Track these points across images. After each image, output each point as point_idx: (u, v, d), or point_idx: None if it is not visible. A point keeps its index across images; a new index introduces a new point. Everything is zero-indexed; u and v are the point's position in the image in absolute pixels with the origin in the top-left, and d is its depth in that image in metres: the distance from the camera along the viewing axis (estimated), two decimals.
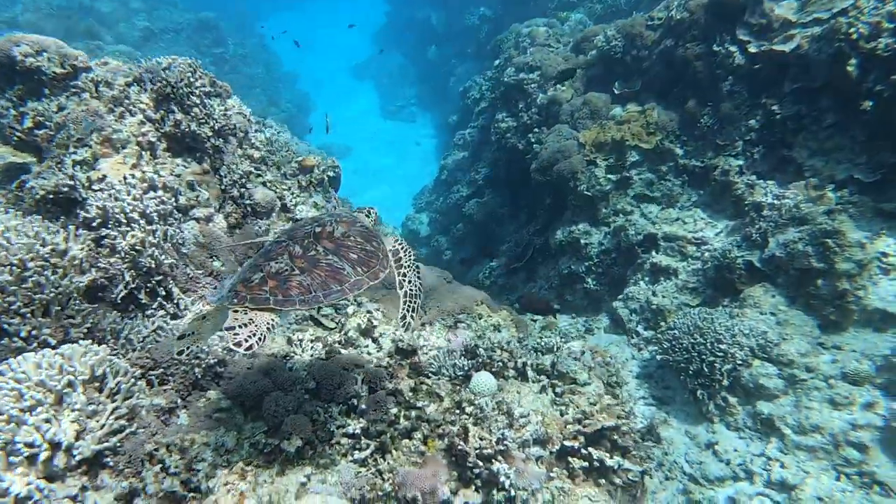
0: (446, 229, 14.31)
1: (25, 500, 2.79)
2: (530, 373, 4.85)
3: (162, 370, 3.95)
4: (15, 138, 4.84)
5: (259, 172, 6.08)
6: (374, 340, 5.15)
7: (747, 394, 5.64)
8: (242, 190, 5.58)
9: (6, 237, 3.74)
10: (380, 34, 37.38)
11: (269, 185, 6.02)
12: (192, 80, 5.30)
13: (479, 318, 6.03)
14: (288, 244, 3.05)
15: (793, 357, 5.51)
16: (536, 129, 9.80)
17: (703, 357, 5.47)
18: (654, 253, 7.35)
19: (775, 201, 6.34)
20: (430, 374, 4.85)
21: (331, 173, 7.06)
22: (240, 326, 2.66)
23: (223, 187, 5.48)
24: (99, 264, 4.18)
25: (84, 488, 3.05)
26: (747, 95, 7.23)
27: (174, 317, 4.39)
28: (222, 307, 2.82)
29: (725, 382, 5.51)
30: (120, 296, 4.20)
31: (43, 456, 2.92)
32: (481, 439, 3.87)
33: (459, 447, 3.82)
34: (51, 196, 4.38)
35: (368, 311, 5.34)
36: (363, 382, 4.32)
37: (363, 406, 4.12)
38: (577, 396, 4.75)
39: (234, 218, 5.45)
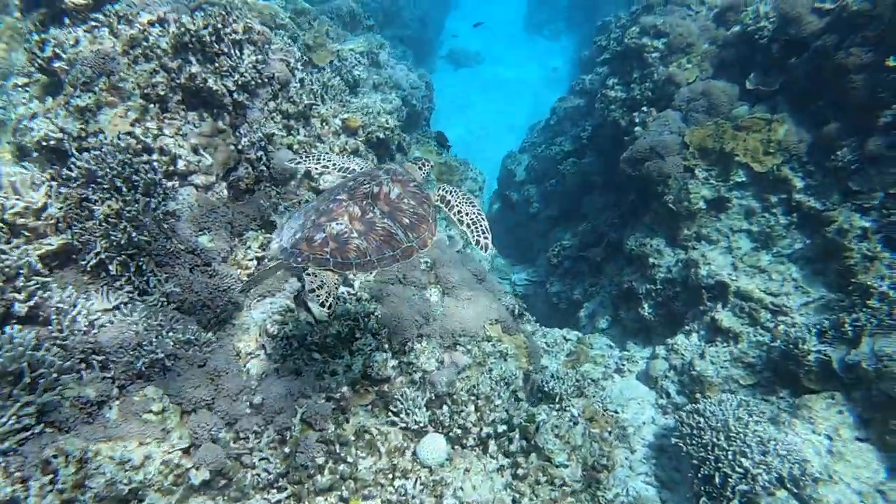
0: (540, 180, 13.31)
1: None
2: (492, 446, 4.29)
3: (105, 356, 3.90)
4: (36, 65, 4.73)
5: (289, 130, 5.64)
6: (352, 353, 4.81)
7: None
8: (261, 153, 5.20)
9: None
10: None
11: (296, 147, 5.59)
12: (220, 26, 4.82)
13: (488, 341, 5.44)
14: (347, 204, 3.17)
15: None
16: (644, 109, 8.36)
17: (720, 465, 4.55)
18: (719, 307, 6.15)
19: (891, 292, 4.91)
20: (393, 411, 4.48)
21: (380, 135, 6.46)
22: (318, 287, 2.98)
23: (240, 147, 5.13)
24: (74, 227, 4.08)
25: None
26: None
27: (142, 293, 4.26)
28: (286, 262, 3.07)
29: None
30: (90, 264, 4.09)
31: None
32: None
33: None
34: (43, 143, 4.28)
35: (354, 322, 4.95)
36: (301, 420, 4.04)
37: (286, 450, 3.86)
38: (541, 484, 4.17)
39: (246, 183, 5.13)
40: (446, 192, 3.66)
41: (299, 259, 3.01)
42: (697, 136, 7.15)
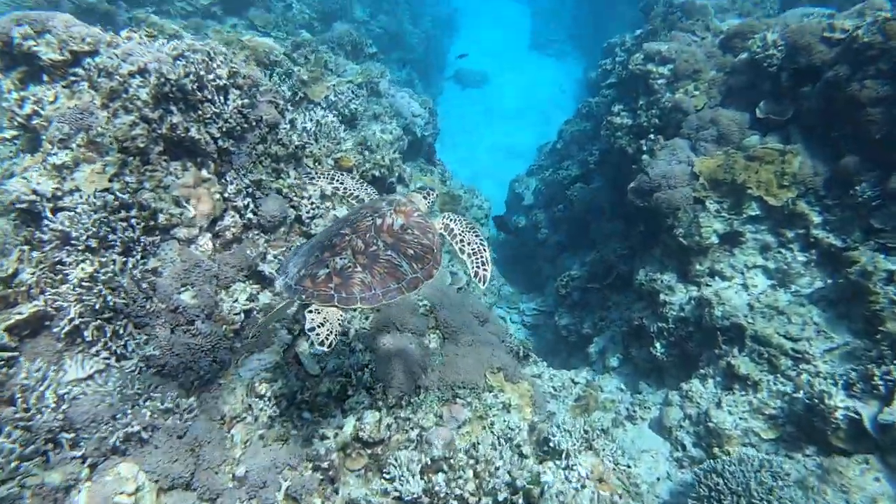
0: (548, 205, 13.05)
1: None
2: None
3: (76, 433, 3.67)
4: (16, 123, 4.58)
5: (279, 174, 5.44)
6: (344, 413, 4.55)
7: None
8: (248, 200, 5.00)
9: None
10: None
11: (285, 191, 5.38)
12: (202, 73, 4.64)
13: (489, 392, 5.15)
14: (350, 238, 3.15)
15: None
16: (651, 136, 8.08)
17: None
18: (736, 351, 5.79)
19: None
20: (386, 478, 4.20)
21: (375, 173, 6.24)
22: (318, 326, 2.89)
23: (226, 195, 4.93)
24: (47, 293, 3.88)
25: None
26: None
27: (119, 358, 4.04)
28: (290, 299, 3.11)
29: None
30: (64, 331, 3.88)
31: None
32: None
33: None
34: (16, 205, 4.11)
35: (346, 376, 4.70)
36: (286, 495, 3.77)
37: None
38: None
39: (233, 232, 4.92)
40: (450, 220, 3.65)
41: (303, 296, 2.98)
42: (708, 167, 6.85)
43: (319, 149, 5.94)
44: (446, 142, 22.31)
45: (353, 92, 7.74)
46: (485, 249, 3.51)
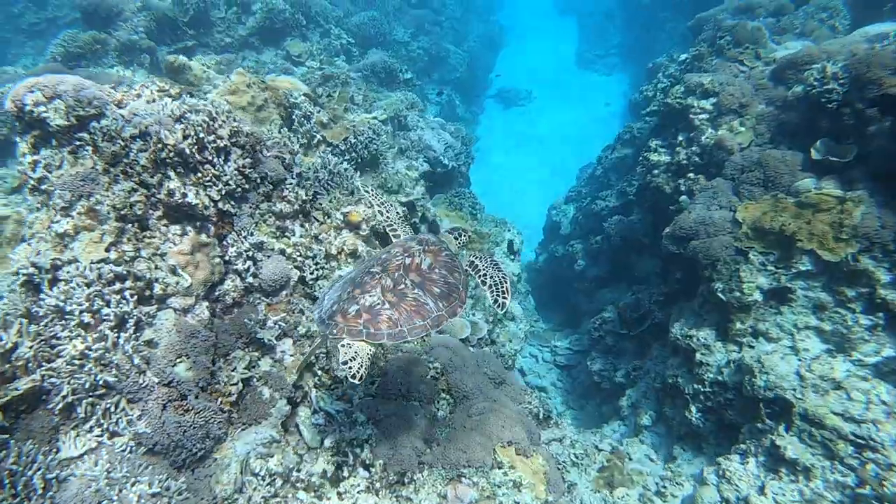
0: (586, 236, 12.52)
1: None
2: None
3: None
4: (28, 186, 4.59)
5: (283, 232, 5.26)
6: (340, 496, 4.30)
7: None
8: (249, 263, 4.84)
9: None
10: None
11: (289, 251, 5.19)
12: (202, 136, 4.52)
13: (499, 468, 4.79)
14: (381, 277, 3.43)
15: None
16: (691, 176, 7.54)
17: None
18: (782, 429, 5.17)
19: None
20: None
21: (386, 228, 5.96)
22: (350, 359, 3.20)
23: (227, 258, 4.79)
24: (42, 368, 3.81)
25: None
26: None
27: (112, 435, 3.91)
28: (323, 334, 3.41)
29: None
30: (58, 407, 3.79)
31: None
32: None
33: None
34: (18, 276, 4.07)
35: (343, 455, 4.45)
36: None
37: None
38: None
39: (233, 297, 4.77)
40: (476, 257, 3.91)
41: (335, 331, 3.27)
42: (752, 213, 6.28)
43: (329, 202, 5.73)
44: (488, 162, 22.06)
45: (373, 131, 7.53)
46: (505, 281, 3.73)
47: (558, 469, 5.22)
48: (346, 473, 4.36)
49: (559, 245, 13.48)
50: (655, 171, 8.21)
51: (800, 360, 5.54)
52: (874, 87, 5.83)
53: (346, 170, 6.19)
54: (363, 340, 3.25)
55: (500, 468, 4.78)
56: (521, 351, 9.52)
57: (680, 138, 7.94)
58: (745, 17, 10.66)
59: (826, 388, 5.14)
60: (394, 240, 4.12)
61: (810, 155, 6.32)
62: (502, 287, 3.72)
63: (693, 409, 6.17)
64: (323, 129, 7.23)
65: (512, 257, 10.73)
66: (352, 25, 15.52)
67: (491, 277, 3.78)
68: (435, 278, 3.53)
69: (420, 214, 8.24)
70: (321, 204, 5.77)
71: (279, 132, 5.84)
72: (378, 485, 4.34)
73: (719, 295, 6.09)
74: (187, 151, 4.40)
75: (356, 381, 3.12)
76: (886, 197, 5.57)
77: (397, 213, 4.33)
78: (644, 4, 23.70)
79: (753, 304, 5.92)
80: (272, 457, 4.35)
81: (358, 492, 4.24)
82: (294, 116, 7.10)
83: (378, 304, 3.31)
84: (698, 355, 6.22)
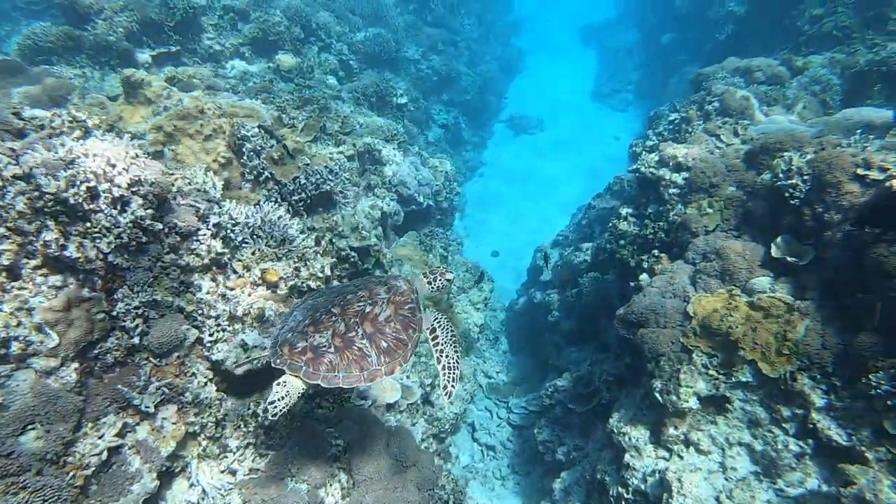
0: (563, 286, 12.10)
1: None
2: None
3: None
4: None
5: (187, 288, 4.96)
6: None
7: None
8: (138, 322, 4.53)
9: None
10: None
11: (190, 309, 4.88)
12: (93, 184, 4.23)
13: None
14: (336, 320, 3.60)
15: None
16: (655, 253, 7.13)
17: None
18: None
19: None
20: None
21: (311, 284, 5.64)
22: (279, 399, 3.48)
23: (115, 313, 4.48)
24: None
25: None
26: None
27: None
28: (269, 358, 3.69)
29: None
30: None
31: None
32: None
33: None
34: None
35: None
36: None
37: None
38: None
39: (115, 356, 4.46)
40: (439, 325, 3.94)
41: (278, 360, 3.56)
42: (704, 309, 5.86)
43: (253, 253, 5.42)
44: (490, 188, 21.72)
45: (329, 170, 7.23)
46: (458, 367, 3.79)
47: None
48: None
49: (538, 290, 13.08)
50: (622, 242, 7.81)
51: (726, 479, 5.11)
52: (833, 191, 5.42)
53: (279, 217, 5.88)
54: (299, 377, 3.46)
55: None
56: (465, 413, 9.15)
57: (650, 210, 7.54)
58: (742, 79, 10.30)
59: None
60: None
61: (771, 251, 5.90)
62: (453, 374, 3.73)
63: None
64: (273, 166, 6.94)
65: (478, 307, 10.37)
66: (356, 42, 15.29)
67: (447, 357, 3.80)
68: (387, 332, 3.60)
69: (374, 259, 7.91)
70: (243, 255, 5.46)
71: (204, 175, 5.51)
72: None
73: (656, 395, 5.67)
74: (71, 201, 4.11)
75: (274, 419, 3.67)
76: (833, 311, 5.13)
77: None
78: (663, 45, 23.30)
79: (688, 410, 5.49)
80: None
81: None
82: (244, 150, 6.81)
83: (324, 346, 3.48)
84: (627, 456, 5.78)
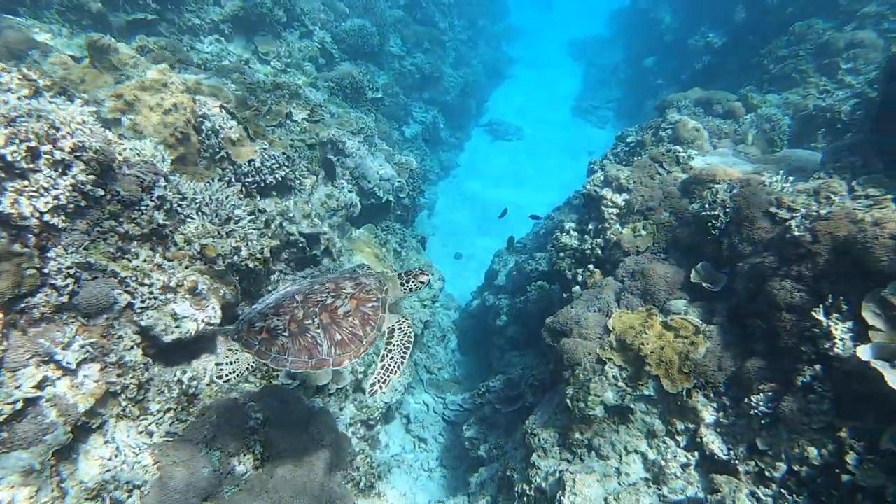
0: (514, 293, 12.45)
1: None
2: None
3: None
4: None
5: (124, 254, 5.12)
6: None
7: None
8: (69, 281, 4.69)
9: None
10: (618, 15, 33.47)
11: (124, 275, 5.04)
12: (35, 145, 4.38)
13: None
14: (296, 306, 3.75)
15: None
16: (591, 268, 7.50)
17: None
18: None
19: None
20: None
21: (249, 264, 5.84)
22: (227, 363, 3.87)
23: (47, 271, 4.63)
24: None
25: None
26: (829, 409, 4.45)
27: None
28: (232, 332, 3.90)
29: None
30: None
31: None
32: None
33: None
34: None
35: None
36: None
37: None
38: None
39: (42, 312, 4.61)
40: (399, 329, 3.98)
41: (236, 336, 3.80)
42: (622, 324, 6.22)
43: (196, 228, 5.60)
44: (462, 189, 22.01)
45: (287, 157, 7.42)
46: (395, 373, 3.84)
47: None
48: None
49: (491, 294, 13.40)
50: (562, 255, 8.16)
51: (618, 483, 5.47)
52: (748, 225, 5.82)
53: (227, 197, 6.06)
54: (251, 353, 3.66)
55: None
56: (401, 406, 9.41)
57: (590, 226, 7.90)
58: (703, 109, 10.78)
59: None
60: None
61: (690, 277, 6.29)
62: (386, 376, 3.80)
63: None
64: (231, 146, 7.10)
65: (425, 303, 10.64)
66: (340, 31, 15.43)
67: (391, 359, 3.85)
68: (343, 325, 3.72)
69: (323, 247, 8.11)
70: (187, 229, 5.64)
71: (154, 148, 5.68)
72: None
73: (567, 401, 6.01)
74: (9, 158, 4.26)
75: (221, 382, 3.78)
76: (733, 337, 5.53)
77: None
78: (646, 67, 23.92)
79: (594, 418, 5.84)
80: (24, 487, 4.18)
81: None
82: (203, 127, 6.97)
83: (280, 329, 3.63)
84: (535, 456, 6.12)
